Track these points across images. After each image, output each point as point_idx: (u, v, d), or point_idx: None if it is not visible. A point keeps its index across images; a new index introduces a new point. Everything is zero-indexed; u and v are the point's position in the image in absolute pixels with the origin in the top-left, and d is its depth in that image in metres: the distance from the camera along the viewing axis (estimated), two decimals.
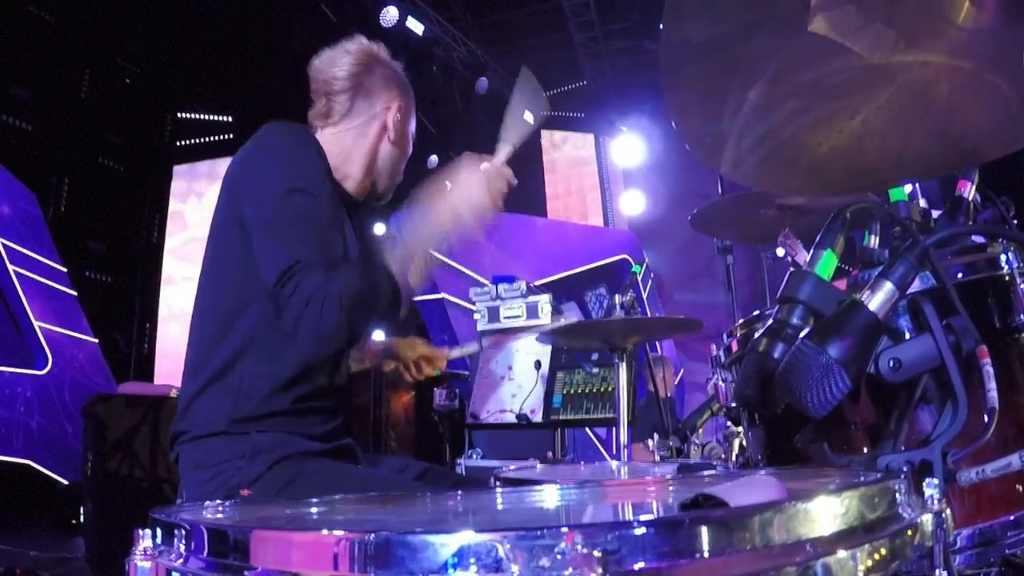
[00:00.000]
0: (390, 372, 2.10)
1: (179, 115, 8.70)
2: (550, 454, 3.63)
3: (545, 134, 9.56)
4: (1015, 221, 1.46)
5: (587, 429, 5.09)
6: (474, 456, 3.85)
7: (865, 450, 1.14)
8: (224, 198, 1.61)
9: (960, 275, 1.12)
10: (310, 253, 1.41)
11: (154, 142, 8.43)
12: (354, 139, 1.74)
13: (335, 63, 1.74)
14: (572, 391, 3.47)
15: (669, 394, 4.47)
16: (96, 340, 6.58)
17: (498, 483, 1.41)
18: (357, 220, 1.81)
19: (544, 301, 3.88)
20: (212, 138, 8.79)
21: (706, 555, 0.56)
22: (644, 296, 7.59)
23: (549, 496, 1.04)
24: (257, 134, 1.61)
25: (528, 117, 1.62)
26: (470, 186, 1.53)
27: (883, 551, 0.65)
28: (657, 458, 2.51)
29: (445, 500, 1.10)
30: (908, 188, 1.34)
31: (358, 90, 1.74)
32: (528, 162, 9.51)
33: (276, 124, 1.62)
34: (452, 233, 1.54)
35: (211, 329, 1.57)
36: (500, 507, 1.01)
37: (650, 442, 2.52)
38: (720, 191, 4.06)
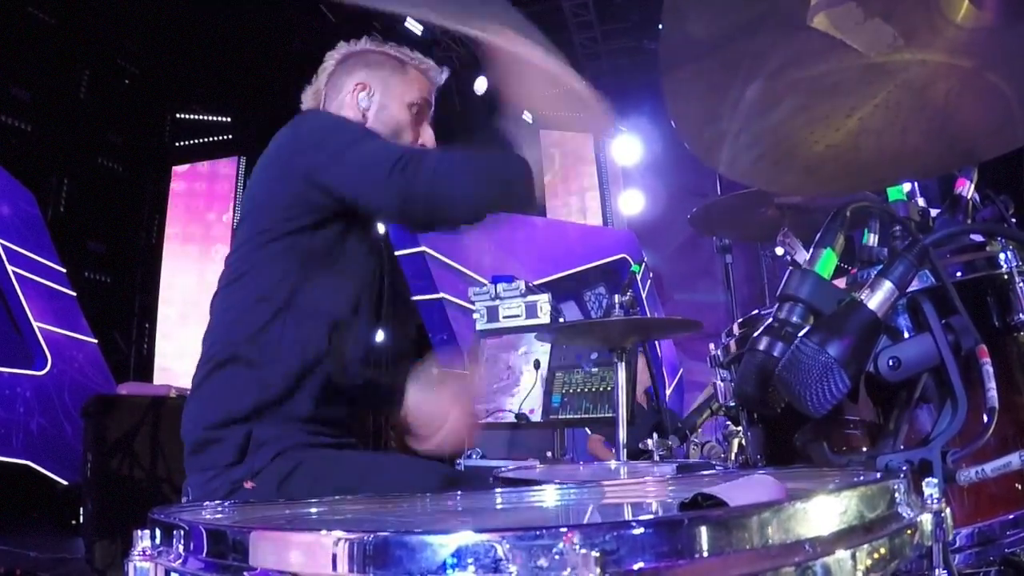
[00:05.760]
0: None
1: (178, 116, 8.69)
2: (549, 454, 3.64)
3: (544, 133, 9.56)
4: (1014, 219, 1.46)
5: (586, 429, 5.09)
6: (473, 456, 3.85)
7: (864, 449, 1.14)
8: (268, 176, 1.64)
9: (959, 274, 1.12)
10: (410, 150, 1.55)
11: (153, 142, 8.41)
12: None
13: (322, 70, 1.80)
14: (571, 391, 3.47)
15: (646, 389, 4.42)
16: (95, 340, 6.57)
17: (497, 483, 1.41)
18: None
19: (543, 300, 3.88)
20: (211, 139, 8.79)
21: (705, 555, 0.56)
22: (643, 296, 7.58)
23: (548, 496, 1.03)
24: (295, 120, 1.66)
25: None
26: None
27: (882, 551, 0.65)
28: (656, 457, 2.51)
29: (444, 500, 1.10)
30: (907, 187, 1.34)
31: (330, 88, 1.78)
32: None
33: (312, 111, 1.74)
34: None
35: (229, 320, 1.58)
36: (499, 507, 1.01)
37: (649, 441, 2.52)
38: (719, 190, 4.06)
